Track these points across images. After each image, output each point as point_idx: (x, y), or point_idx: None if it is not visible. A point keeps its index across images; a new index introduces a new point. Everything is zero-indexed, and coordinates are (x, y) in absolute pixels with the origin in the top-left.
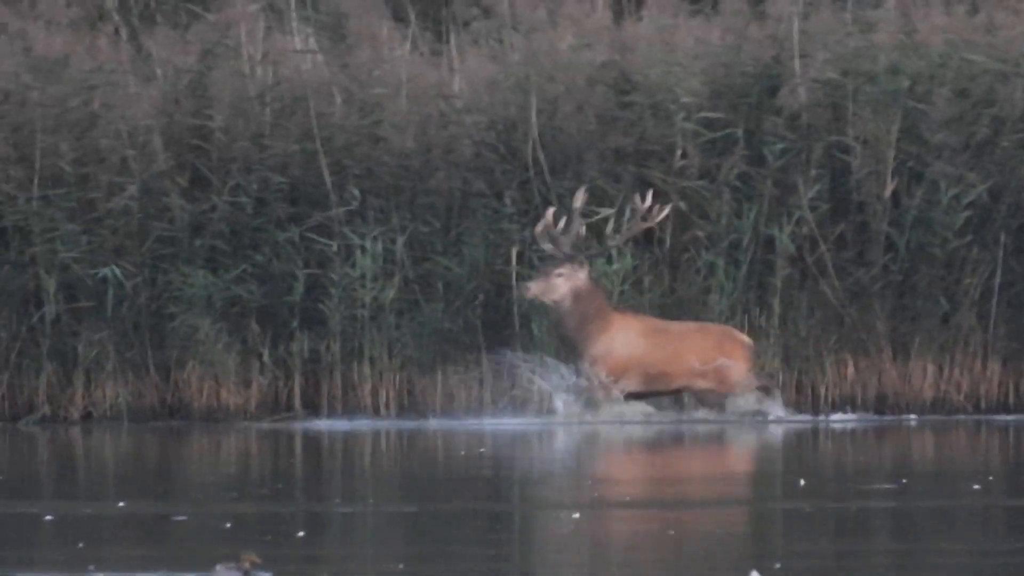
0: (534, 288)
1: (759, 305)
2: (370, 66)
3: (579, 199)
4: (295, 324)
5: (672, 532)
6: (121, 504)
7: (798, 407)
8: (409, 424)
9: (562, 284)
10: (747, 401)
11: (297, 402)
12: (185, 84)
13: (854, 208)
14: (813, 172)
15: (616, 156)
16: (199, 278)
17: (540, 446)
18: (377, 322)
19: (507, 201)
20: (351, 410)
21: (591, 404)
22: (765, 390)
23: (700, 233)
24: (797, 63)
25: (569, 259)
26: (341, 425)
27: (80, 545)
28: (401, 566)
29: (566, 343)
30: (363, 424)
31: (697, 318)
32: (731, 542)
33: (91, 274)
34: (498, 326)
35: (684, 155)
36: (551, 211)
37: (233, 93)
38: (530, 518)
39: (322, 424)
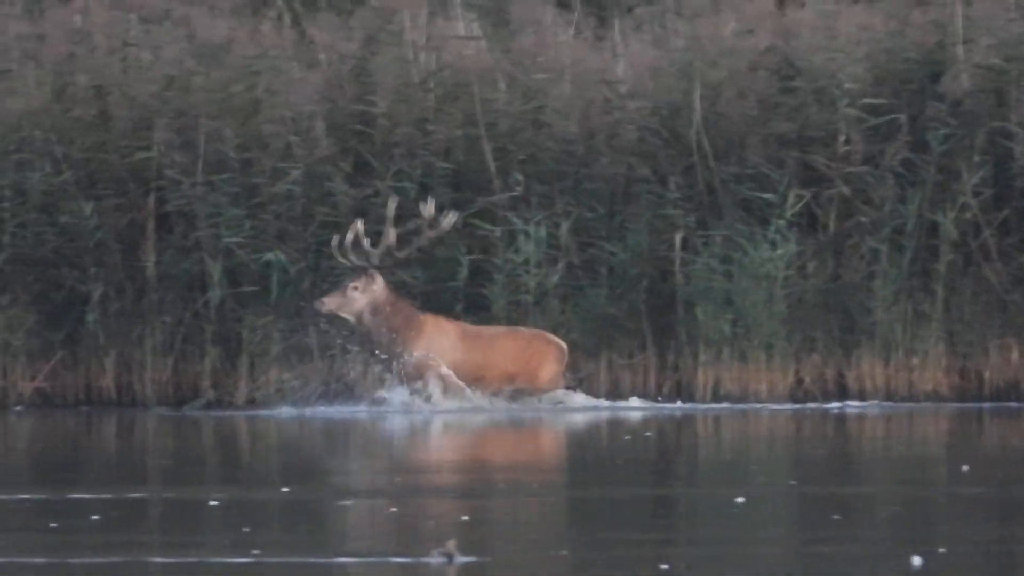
0: (329, 303)
1: (923, 291)
2: (533, 51)
3: (391, 208)
4: (459, 309)
5: (838, 517)
6: (285, 489)
7: (962, 393)
8: (575, 409)
9: (359, 297)
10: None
11: None
12: (348, 70)
13: (1017, 194)
14: (976, 158)
15: (779, 142)
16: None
17: (705, 431)
18: (541, 307)
19: (671, 186)
20: (515, 394)
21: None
22: (572, 389)
23: (863, 219)
24: (960, 49)
25: (362, 271)
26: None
27: (245, 529)
28: (565, 552)
29: (383, 352)
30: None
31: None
32: (898, 524)
33: (255, 259)
34: (662, 311)
35: (847, 141)
36: (360, 222)
37: (396, 79)
38: (695, 502)
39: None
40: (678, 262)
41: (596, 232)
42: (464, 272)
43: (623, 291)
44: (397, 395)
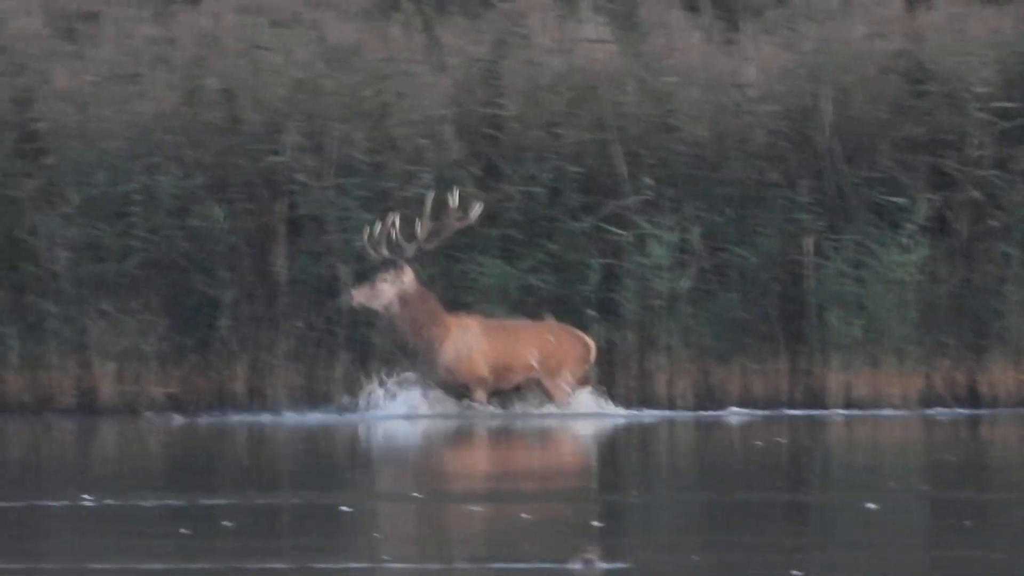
0: (358, 295)
1: None
2: (663, 55)
3: (429, 202)
4: (590, 314)
5: (969, 523)
6: (416, 495)
7: None
8: (704, 414)
9: (388, 289)
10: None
11: (593, 392)
12: (478, 73)
13: None
14: None
15: (909, 146)
16: (494, 267)
17: (833, 436)
18: (672, 312)
19: (801, 190)
20: (646, 400)
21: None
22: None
23: (994, 223)
24: None
25: (392, 264)
26: (633, 415)
27: (376, 535)
28: (695, 557)
29: (403, 350)
30: (656, 414)
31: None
32: None
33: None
34: (793, 316)
35: (979, 145)
36: (395, 215)
37: (526, 82)
38: (826, 508)
39: (614, 413)
40: (809, 267)
41: (726, 236)
42: (595, 276)
43: (754, 296)
44: (402, 400)
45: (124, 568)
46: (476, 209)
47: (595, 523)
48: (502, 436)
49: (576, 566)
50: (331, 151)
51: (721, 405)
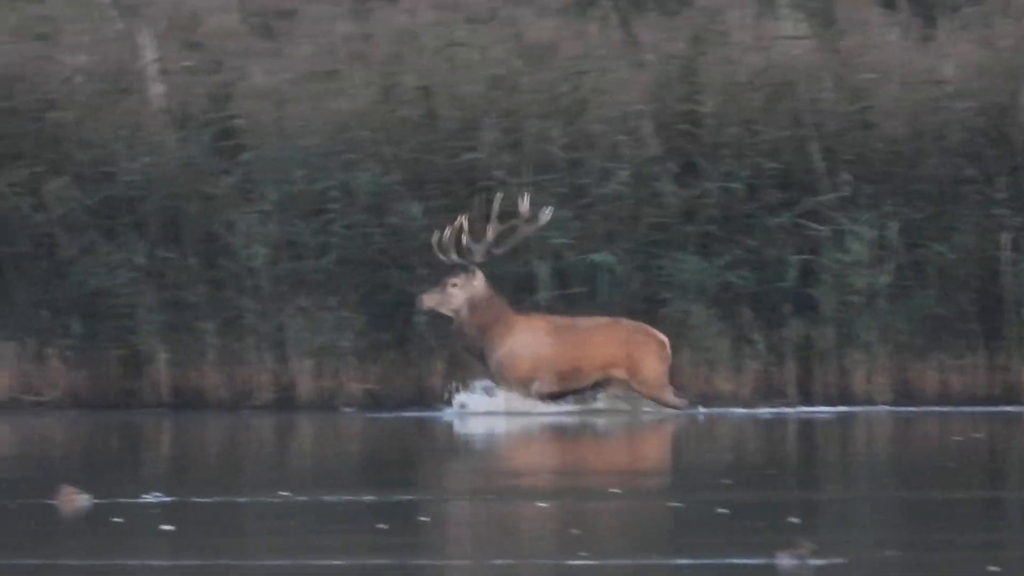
0: (428, 300)
1: None
2: (859, 51)
3: (496, 204)
4: (787, 310)
5: None
6: (614, 490)
7: None
8: (902, 410)
9: (458, 294)
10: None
11: (790, 388)
12: (675, 70)
13: None
14: None
15: None
16: (691, 264)
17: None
18: (870, 308)
19: (998, 186)
20: (845, 397)
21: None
22: (679, 387)
23: None
24: None
25: (461, 268)
26: (832, 412)
27: (575, 532)
28: (891, 552)
29: (471, 353)
30: (855, 410)
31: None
32: None
33: (582, 260)
34: (991, 312)
35: None
36: (464, 219)
37: (723, 78)
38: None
39: (814, 410)
40: (1006, 262)
41: (924, 233)
42: (793, 272)
43: (951, 292)
44: (474, 399)
45: (313, 564)
46: (546, 213)
47: (792, 519)
48: (688, 431)
49: (786, 561)
50: (528, 148)
51: (918, 401)
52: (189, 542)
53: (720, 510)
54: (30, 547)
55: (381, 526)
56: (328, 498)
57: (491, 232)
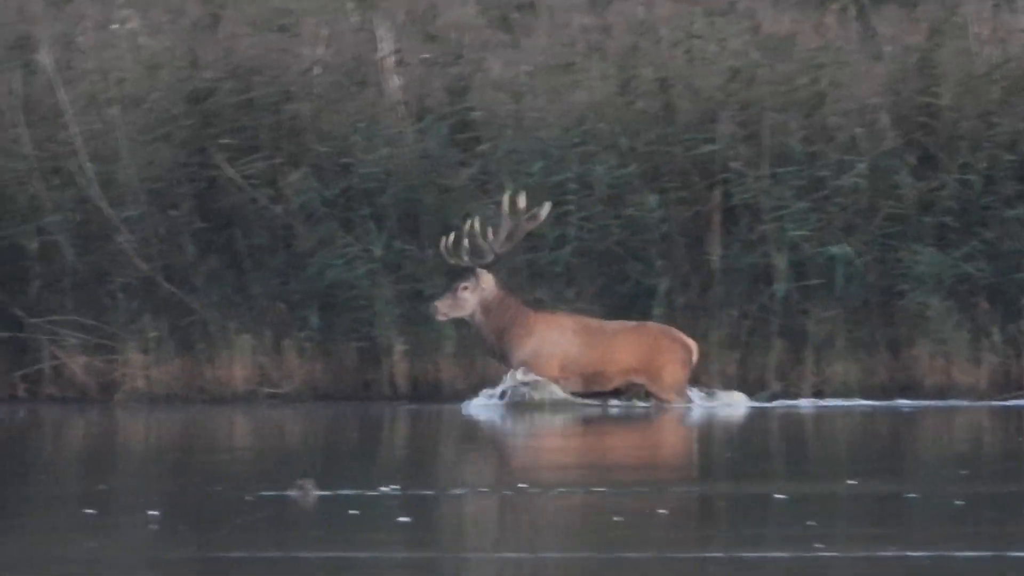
0: (442, 307)
1: None
2: None
3: (506, 203)
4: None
5: None
6: (851, 482)
7: None
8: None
9: (469, 297)
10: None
11: None
12: (913, 62)
13: None
14: None
15: None
16: (928, 256)
17: None
18: None
19: None
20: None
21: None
22: (708, 393)
23: None
24: None
25: (471, 271)
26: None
27: (810, 523)
28: None
29: (493, 355)
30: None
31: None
32: None
33: (820, 252)
34: None
35: None
36: (477, 219)
37: (960, 71)
38: None
39: None
40: None
41: None
42: None
43: None
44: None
45: (538, 557)
46: (544, 209)
47: None
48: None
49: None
50: (765, 140)
51: None
52: (425, 535)
53: (957, 502)
54: (267, 540)
55: (617, 519)
56: (563, 490)
57: (500, 232)
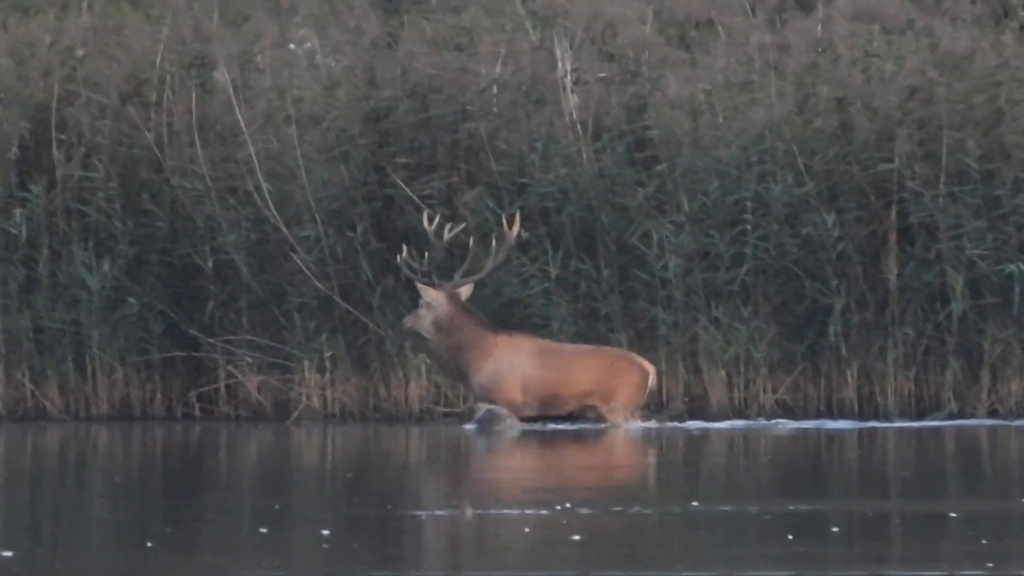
0: (407, 321)
1: None
2: None
3: (435, 225)
4: None
5: None
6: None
7: None
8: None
9: (426, 315)
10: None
11: None
12: None
13: None
14: None
15: None
16: None
17: None
18: None
19: None
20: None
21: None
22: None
23: None
24: None
25: (431, 285)
26: None
27: (983, 542)
28: None
29: (448, 374)
30: None
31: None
32: None
33: (997, 271)
34: None
35: None
36: (405, 249)
37: None
38: None
39: None
40: None
41: None
42: None
43: None
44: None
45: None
46: (516, 226)
47: None
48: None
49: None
50: (942, 158)
51: None
52: (597, 553)
53: None
54: (437, 559)
55: (790, 537)
56: (742, 509)
57: (433, 254)
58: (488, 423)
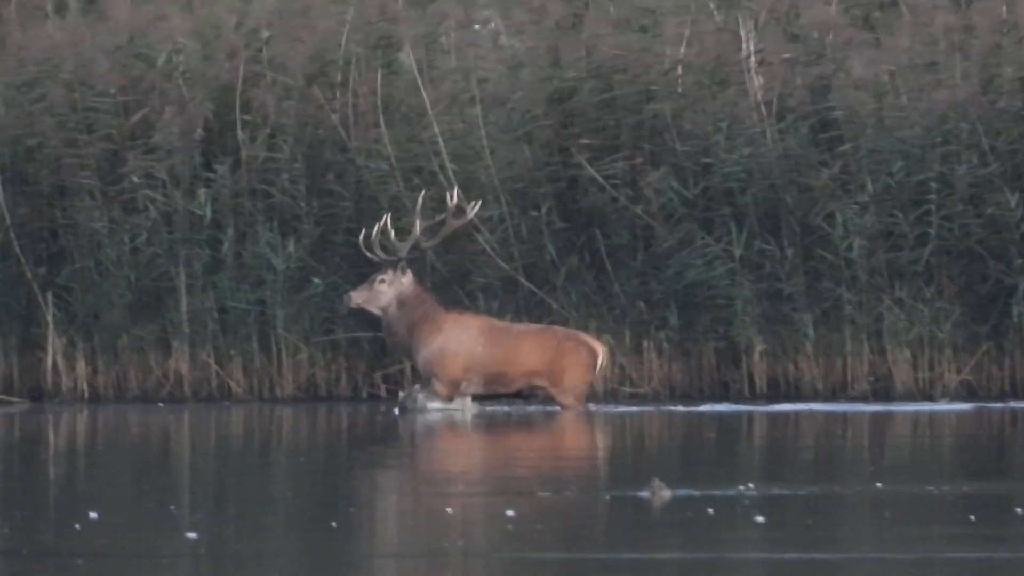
0: (357, 297)
1: None
2: None
3: (420, 201)
4: None
5: None
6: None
7: None
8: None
9: (387, 290)
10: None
11: None
12: None
13: None
14: None
15: None
16: None
17: None
18: None
19: None
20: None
21: (427, 405)
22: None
23: None
24: None
25: (391, 264)
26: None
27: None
28: None
29: (399, 351)
30: None
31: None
32: None
33: None
34: None
35: None
36: (387, 216)
37: None
38: None
39: None
40: None
41: None
42: None
43: None
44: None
45: (921, 558)
46: (474, 208)
47: None
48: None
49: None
50: None
51: None
52: (782, 534)
53: None
54: (625, 541)
55: (971, 518)
56: (918, 490)
57: (417, 228)
58: (411, 409)
